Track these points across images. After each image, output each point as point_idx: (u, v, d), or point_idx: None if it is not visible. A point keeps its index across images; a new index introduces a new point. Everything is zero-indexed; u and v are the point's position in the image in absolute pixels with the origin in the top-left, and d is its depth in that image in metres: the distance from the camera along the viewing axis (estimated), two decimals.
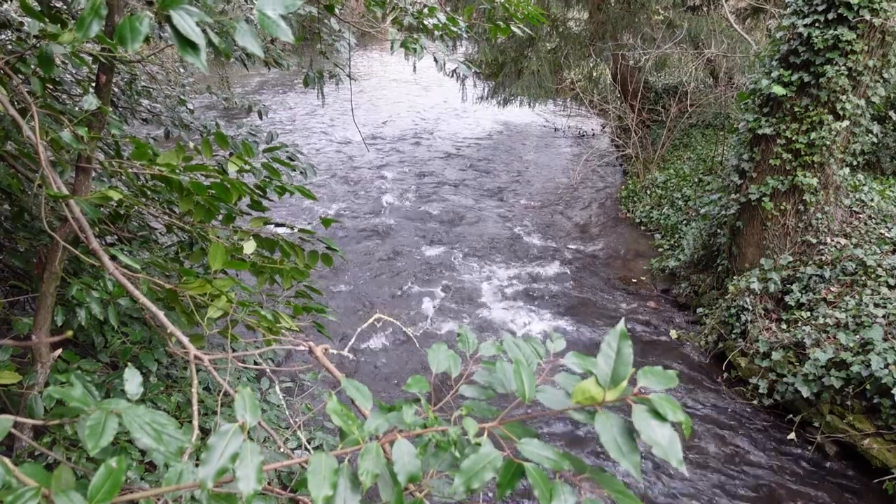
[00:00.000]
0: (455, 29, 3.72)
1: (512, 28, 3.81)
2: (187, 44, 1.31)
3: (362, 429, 1.17)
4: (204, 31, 1.33)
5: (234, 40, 1.46)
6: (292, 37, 1.41)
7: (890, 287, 5.98)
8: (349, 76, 5.34)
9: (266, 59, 4.80)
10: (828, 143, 6.34)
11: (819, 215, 6.74)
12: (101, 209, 2.97)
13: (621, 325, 1.11)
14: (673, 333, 7.50)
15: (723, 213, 7.53)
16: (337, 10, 4.01)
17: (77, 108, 3.39)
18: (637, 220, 10.93)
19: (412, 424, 1.20)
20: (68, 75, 4.41)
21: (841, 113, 6.26)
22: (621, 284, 8.85)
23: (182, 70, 7.09)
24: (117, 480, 1.00)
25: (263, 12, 1.37)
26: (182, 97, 5.61)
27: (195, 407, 1.52)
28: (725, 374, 6.61)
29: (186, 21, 1.29)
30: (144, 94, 5.27)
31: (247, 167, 2.76)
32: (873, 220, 6.93)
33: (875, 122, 6.83)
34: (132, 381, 1.33)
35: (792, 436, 5.76)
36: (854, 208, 7.14)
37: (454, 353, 1.46)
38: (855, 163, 6.91)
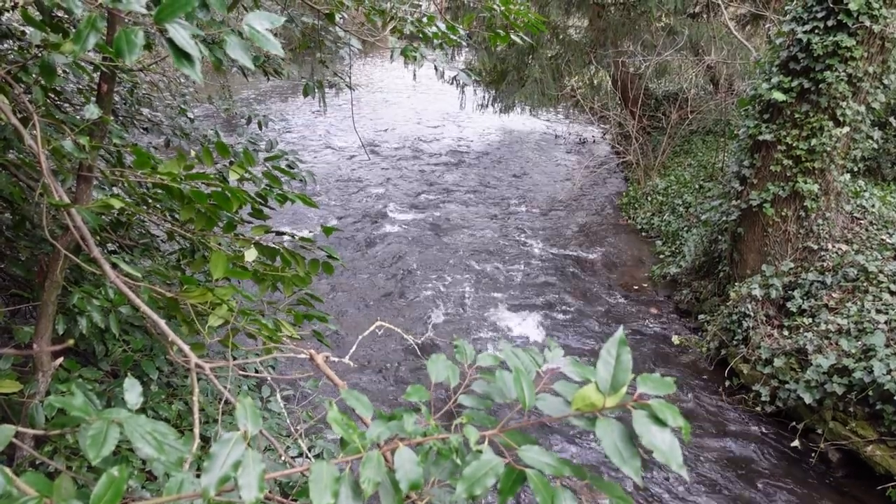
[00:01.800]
0: (454, 37, 3.73)
1: (511, 37, 3.83)
2: (182, 55, 1.32)
3: (364, 437, 1.17)
4: (196, 43, 1.35)
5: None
6: (281, 50, 1.44)
7: (891, 293, 5.97)
8: (349, 86, 5.36)
9: (265, 69, 4.82)
10: (828, 149, 6.35)
11: (820, 221, 6.74)
12: (103, 217, 2.98)
13: (620, 332, 1.11)
14: (675, 340, 7.49)
15: (724, 219, 7.53)
16: (338, 19, 4.03)
17: (78, 117, 3.40)
18: (638, 227, 10.93)
19: (413, 433, 1.20)
20: (70, 84, 4.43)
21: (841, 119, 6.27)
22: (622, 291, 8.85)
23: (183, 79, 7.11)
24: (119, 490, 1.00)
25: (252, 26, 1.39)
26: (183, 106, 5.63)
27: (196, 415, 1.52)
28: (727, 381, 6.59)
29: (181, 34, 1.31)
30: (145, 103, 5.29)
31: (247, 175, 2.77)
32: (874, 226, 6.93)
33: (875, 128, 6.84)
34: (132, 391, 1.34)
35: (795, 443, 5.73)
36: (855, 214, 7.15)
37: (453, 364, 1.46)
38: (856, 169, 6.91)
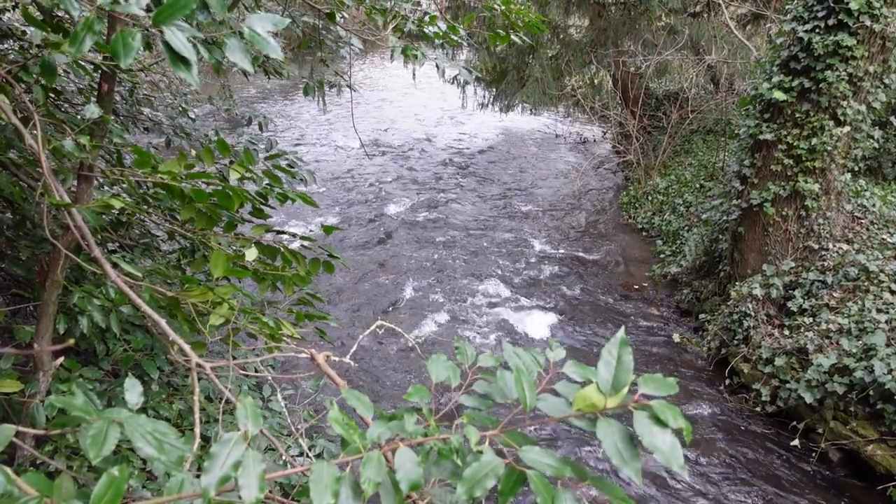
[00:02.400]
0: (455, 37, 3.73)
1: (512, 37, 3.82)
2: (179, 59, 1.32)
3: (364, 437, 1.17)
4: (195, 46, 1.34)
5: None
6: (281, 54, 1.43)
7: (892, 292, 5.97)
8: (349, 87, 5.36)
9: (266, 69, 4.82)
10: (829, 148, 6.34)
11: (821, 221, 6.73)
12: (103, 217, 2.98)
13: (621, 332, 1.11)
14: (675, 339, 7.49)
15: (724, 218, 7.52)
16: (339, 18, 4.03)
17: (79, 117, 3.40)
18: (639, 226, 10.93)
19: (414, 433, 1.20)
20: (71, 84, 4.43)
21: (842, 118, 6.26)
22: (623, 291, 8.84)
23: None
24: (119, 489, 1.00)
25: (253, 29, 1.39)
26: (183, 106, 5.63)
27: (197, 415, 1.52)
28: (728, 381, 6.59)
29: (178, 37, 1.31)
30: (146, 102, 5.28)
31: (248, 175, 2.77)
32: (875, 226, 6.93)
33: (876, 128, 6.84)
34: (132, 391, 1.33)
35: (795, 442, 5.73)
36: (856, 214, 7.14)
37: (453, 365, 1.46)
38: (856, 168, 6.90)
